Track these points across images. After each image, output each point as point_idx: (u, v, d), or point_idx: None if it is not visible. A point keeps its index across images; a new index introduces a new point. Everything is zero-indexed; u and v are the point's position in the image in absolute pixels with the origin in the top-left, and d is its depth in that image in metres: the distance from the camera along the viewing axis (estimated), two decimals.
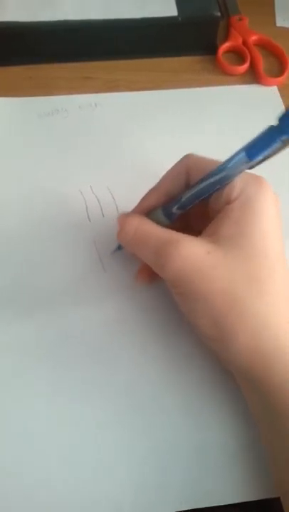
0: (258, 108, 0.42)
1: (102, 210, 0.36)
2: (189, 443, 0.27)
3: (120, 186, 0.37)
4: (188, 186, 0.28)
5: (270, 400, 0.24)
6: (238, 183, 0.25)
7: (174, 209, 0.28)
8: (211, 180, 0.25)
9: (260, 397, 0.25)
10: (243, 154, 0.23)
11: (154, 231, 0.27)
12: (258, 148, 0.23)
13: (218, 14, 0.44)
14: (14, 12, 0.45)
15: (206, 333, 0.26)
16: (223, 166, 0.25)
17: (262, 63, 0.45)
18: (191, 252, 0.24)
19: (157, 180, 0.29)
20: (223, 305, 0.24)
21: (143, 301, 0.32)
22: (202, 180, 0.26)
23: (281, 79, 0.44)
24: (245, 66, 0.45)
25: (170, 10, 0.46)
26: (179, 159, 0.29)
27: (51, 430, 0.27)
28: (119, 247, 0.33)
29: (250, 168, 0.24)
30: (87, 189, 0.37)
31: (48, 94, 0.42)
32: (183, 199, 0.27)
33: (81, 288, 0.32)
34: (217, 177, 0.25)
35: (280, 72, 0.45)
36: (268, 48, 0.47)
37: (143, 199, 0.30)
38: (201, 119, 0.41)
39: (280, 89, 0.44)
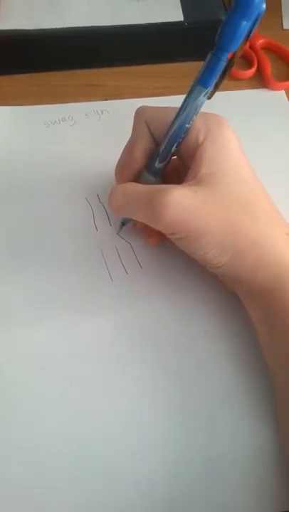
0: (265, 113, 0.42)
1: (109, 219, 0.36)
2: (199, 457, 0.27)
3: None
4: (154, 138, 0.30)
5: (278, 317, 0.26)
6: (202, 126, 0.28)
7: (157, 163, 0.29)
8: (180, 120, 0.27)
9: (267, 317, 0.27)
10: (198, 87, 0.26)
11: (141, 188, 0.28)
12: (209, 75, 0.25)
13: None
14: (20, 20, 0.45)
15: (215, 263, 0.27)
16: (185, 103, 0.27)
17: (269, 67, 0.44)
18: (180, 195, 0.26)
19: None
20: (226, 232, 0.26)
21: (150, 310, 0.32)
22: (172, 123, 0.27)
23: None
24: (253, 70, 0.44)
25: (176, 15, 0.45)
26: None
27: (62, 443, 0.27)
28: (123, 223, 0.34)
29: (209, 98, 0.27)
30: (94, 197, 0.37)
31: (55, 102, 0.42)
32: (161, 150, 0.29)
33: (88, 297, 0.32)
34: (183, 115, 0.27)
35: (288, 76, 0.44)
36: (276, 52, 0.46)
37: (122, 167, 0.31)
38: None
39: (287, 94, 0.43)
